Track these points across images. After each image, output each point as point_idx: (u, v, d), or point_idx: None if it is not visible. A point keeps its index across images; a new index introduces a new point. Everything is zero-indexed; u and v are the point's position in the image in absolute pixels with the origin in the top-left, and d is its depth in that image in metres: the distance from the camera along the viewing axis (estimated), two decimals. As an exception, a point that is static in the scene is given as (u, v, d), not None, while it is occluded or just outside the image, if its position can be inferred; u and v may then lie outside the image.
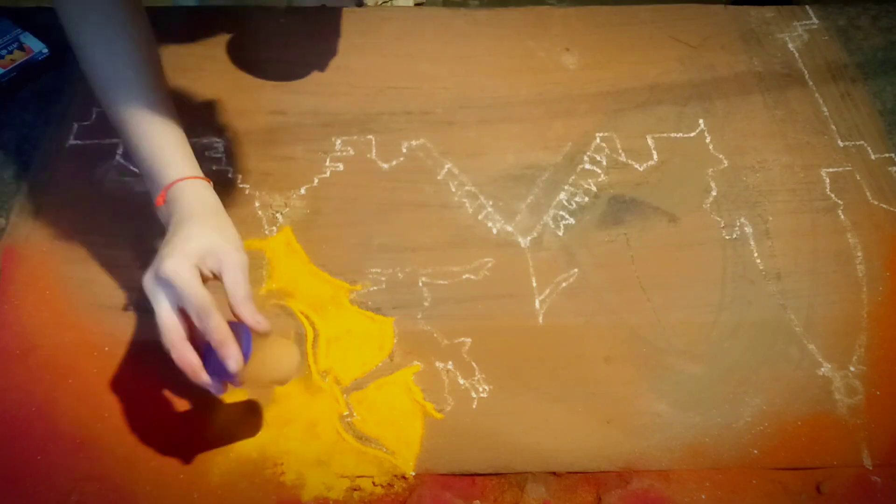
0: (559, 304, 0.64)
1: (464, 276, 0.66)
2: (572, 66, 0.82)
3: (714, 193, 0.72)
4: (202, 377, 0.45)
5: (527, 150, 0.74)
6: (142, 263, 0.65)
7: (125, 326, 0.61)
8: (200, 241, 0.46)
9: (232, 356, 0.44)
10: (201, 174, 0.53)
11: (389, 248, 0.67)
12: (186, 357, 0.45)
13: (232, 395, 0.58)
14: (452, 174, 0.73)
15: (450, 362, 0.61)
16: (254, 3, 0.86)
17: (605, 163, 0.74)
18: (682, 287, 0.65)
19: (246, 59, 0.80)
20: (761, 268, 0.67)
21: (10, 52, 0.77)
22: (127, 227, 0.67)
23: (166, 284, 0.45)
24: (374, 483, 0.54)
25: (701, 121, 0.77)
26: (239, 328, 0.46)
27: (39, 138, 0.73)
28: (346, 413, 0.58)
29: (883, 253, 0.67)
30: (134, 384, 0.58)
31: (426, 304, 0.64)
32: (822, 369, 0.61)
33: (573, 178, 0.73)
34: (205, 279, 0.46)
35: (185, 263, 0.44)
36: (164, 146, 0.52)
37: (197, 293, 0.44)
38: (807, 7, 0.88)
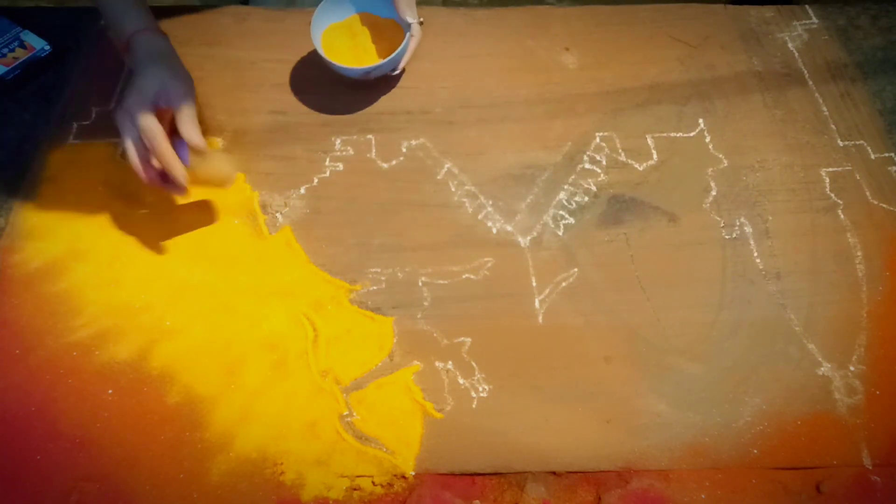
0: (559, 304, 0.64)
1: (464, 276, 0.66)
2: (572, 66, 0.82)
3: (714, 193, 0.72)
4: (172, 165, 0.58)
5: (527, 150, 0.74)
6: (143, 261, 0.65)
7: (125, 326, 0.61)
8: (154, 82, 0.58)
9: (176, 169, 0.58)
10: (154, 26, 0.65)
11: (389, 247, 0.67)
12: (152, 161, 0.59)
13: (230, 397, 0.58)
14: (452, 174, 0.73)
15: (450, 362, 0.61)
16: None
17: (604, 162, 0.74)
18: (681, 287, 0.65)
19: (246, 59, 0.80)
20: (761, 267, 0.67)
21: (12, 50, 0.77)
22: (126, 226, 0.67)
23: (129, 119, 0.57)
24: (373, 483, 0.54)
25: (701, 120, 0.77)
26: (180, 145, 0.60)
27: (39, 138, 0.73)
28: (345, 413, 0.58)
29: (883, 253, 0.67)
30: (134, 384, 0.58)
31: (426, 303, 0.64)
32: (822, 369, 0.61)
33: (573, 177, 0.73)
34: (160, 113, 0.59)
35: (140, 101, 0.57)
36: (122, 3, 0.64)
37: (149, 125, 0.57)
38: (806, 7, 0.88)
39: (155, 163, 0.59)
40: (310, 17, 0.74)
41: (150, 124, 0.57)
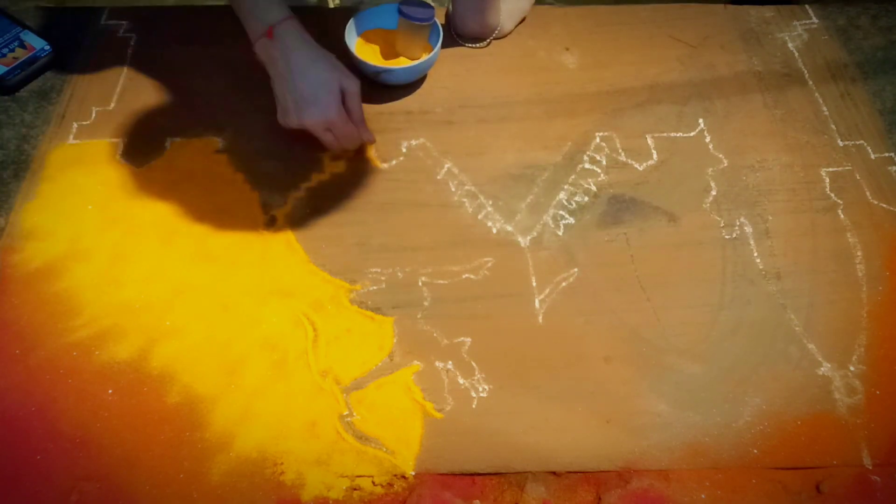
0: (559, 304, 0.64)
1: (464, 276, 0.66)
2: (572, 66, 0.82)
3: (714, 193, 0.72)
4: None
5: (527, 150, 0.74)
6: (143, 261, 0.65)
7: (125, 326, 0.61)
8: (334, 84, 0.66)
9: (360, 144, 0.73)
10: (292, 14, 0.67)
11: (389, 247, 0.67)
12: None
13: (230, 396, 0.58)
14: (452, 174, 0.73)
15: (450, 362, 0.61)
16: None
17: (604, 162, 0.74)
18: (681, 287, 0.65)
19: (246, 59, 0.80)
20: (761, 267, 0.67)
21: (12, 50, 0.77)
22: (126, 226, 0.67)
23: (325, 124, 0.66)
24: (373, 482, 0.54)
25: (701, 120, 0.77)
26: None
27: (39, 138, 0.73)
28: (345, 413, 0.58)
29: (883, 252, 0.67)
30: (134, 384, 0.58)
31: (426, 303, 0.64)
32: (822, 369, 0.61)
33: (573, 177, 0.73)
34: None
35: (336, 107, 0.66)
36: None
37: (349, 129, 0.68)
38: (806, 7, 0.89)
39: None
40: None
41: (349, 127, 0.68)
